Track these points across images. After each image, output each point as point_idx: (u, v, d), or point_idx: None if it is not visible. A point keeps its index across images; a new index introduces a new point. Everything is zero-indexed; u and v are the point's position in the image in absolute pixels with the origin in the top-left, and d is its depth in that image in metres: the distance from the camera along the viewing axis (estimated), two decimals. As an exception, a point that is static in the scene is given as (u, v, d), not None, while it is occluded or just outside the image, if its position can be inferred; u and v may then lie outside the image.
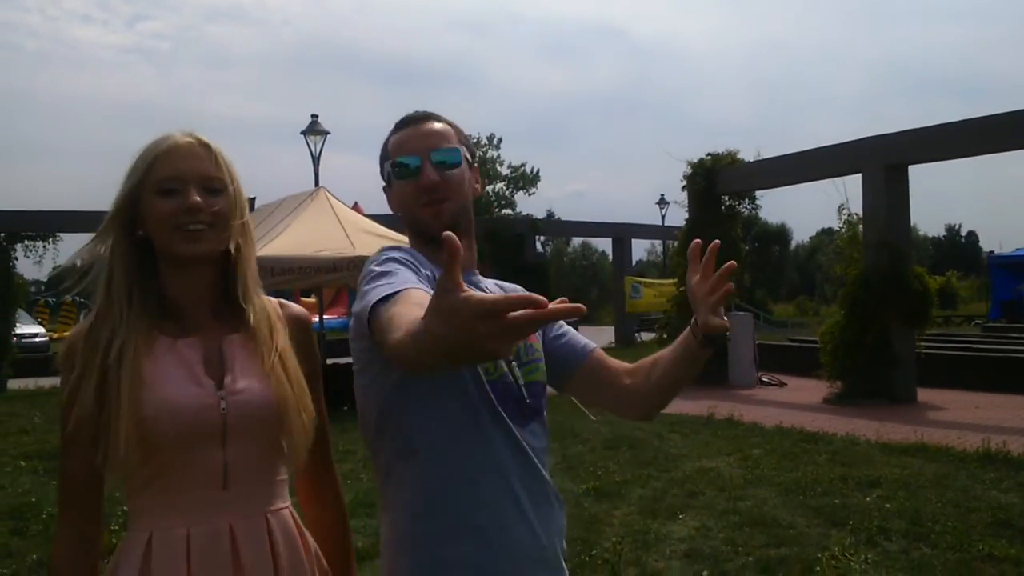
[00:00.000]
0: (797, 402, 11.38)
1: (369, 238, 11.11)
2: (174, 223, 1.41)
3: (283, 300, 1.61)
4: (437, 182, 1.49)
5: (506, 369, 1.47)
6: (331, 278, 10.82)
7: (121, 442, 1.33)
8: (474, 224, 1.61)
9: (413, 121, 1.56)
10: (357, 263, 10.30)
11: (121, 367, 1.36)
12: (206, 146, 1.46)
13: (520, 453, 1.45)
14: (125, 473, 1.38)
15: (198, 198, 1.41)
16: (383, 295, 1.24)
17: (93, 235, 1.47)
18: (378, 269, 1.38)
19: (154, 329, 1.43)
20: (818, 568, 4.39)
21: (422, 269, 1.43)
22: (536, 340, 1.58)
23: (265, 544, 1.44)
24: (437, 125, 1.55)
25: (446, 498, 1.41)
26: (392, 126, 1.59)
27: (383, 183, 1.59)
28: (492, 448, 1.42)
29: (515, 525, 1.42)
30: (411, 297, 1.21)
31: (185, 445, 1.37)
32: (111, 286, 1.44)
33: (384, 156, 1.57)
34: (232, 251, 1.49)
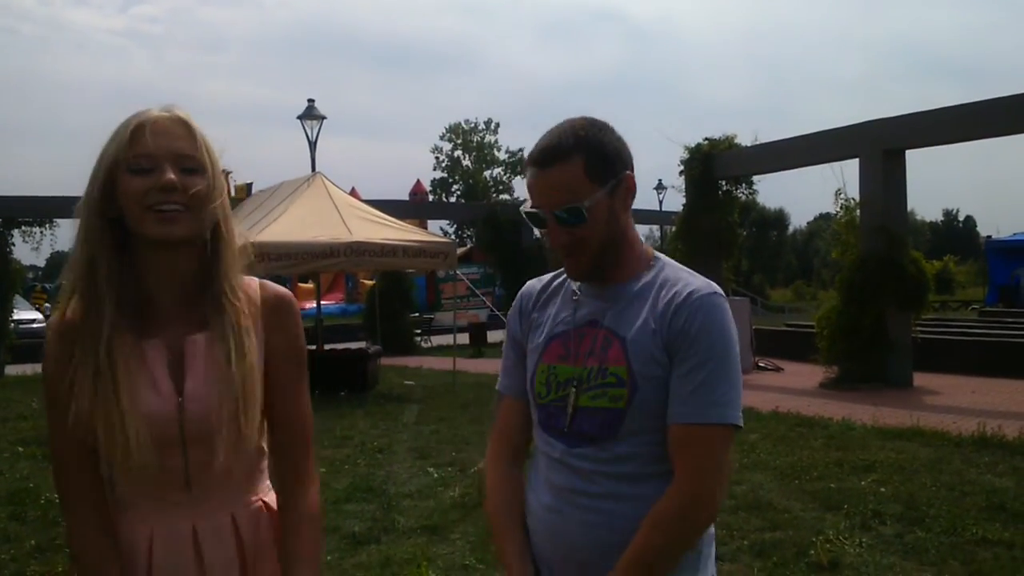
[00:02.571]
0: (793, 387, 11.40)
1: (366, 224, 11.09)
2: (146, 203, 1.31)
3: (264, 281, 1.51)
4: (566, 243, 1.48)
5: (559, 394, 1.53)
6: (328, 263, 10.79)
7: (132, 439, 1.31)
8: (620, 239, 1.54)
9: (539, 163, 1.47)
10: (354, 248, 10.28)
11: (115, 366, 1.31)
12: (183, 123, 1.35)
13: (560, 468, 1.54)
14: (128, 471, 1.34)
15: (172, 176, 1.31)
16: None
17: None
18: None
19: (130, 322, 1.36)
20: (812, 552, 4.42)
21: (522, 322, 1.66)
22: (619, 364, 1.48)
23: (231, 543, 1.42)
24: (559, 175, 1.44)
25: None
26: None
27: None
28: (538, 460, 1.60)
29: (537, 529, 1.57)
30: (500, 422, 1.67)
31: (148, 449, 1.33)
32: (95, 275, 1.34)
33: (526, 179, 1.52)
34: (209, 236, 1.39)
